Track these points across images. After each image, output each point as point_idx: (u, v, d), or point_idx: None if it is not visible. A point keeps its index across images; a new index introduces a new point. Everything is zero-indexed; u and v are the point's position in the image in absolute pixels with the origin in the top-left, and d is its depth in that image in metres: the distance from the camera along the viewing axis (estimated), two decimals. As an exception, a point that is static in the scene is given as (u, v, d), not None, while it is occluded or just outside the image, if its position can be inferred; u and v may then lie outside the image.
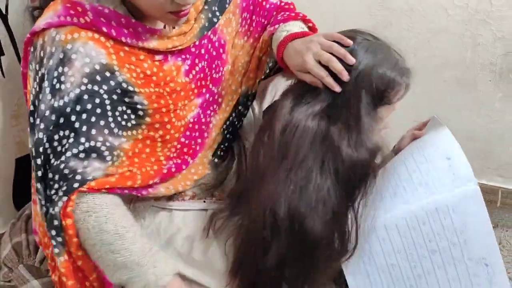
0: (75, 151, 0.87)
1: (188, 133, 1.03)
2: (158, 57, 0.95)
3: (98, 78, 0.88)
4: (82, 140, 0.87)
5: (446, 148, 0.98)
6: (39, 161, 0.89)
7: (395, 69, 0.94)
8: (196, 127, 1.05)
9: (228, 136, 1.12)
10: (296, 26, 1.06)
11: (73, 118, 0.87)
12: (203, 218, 1.06)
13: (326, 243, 0.93)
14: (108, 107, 0.90)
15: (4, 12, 1.07)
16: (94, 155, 0.88)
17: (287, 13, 1.12)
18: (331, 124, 0.92)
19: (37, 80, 0.89)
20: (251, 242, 0.96)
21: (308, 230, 0.91)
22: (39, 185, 0.90)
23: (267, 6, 1.15)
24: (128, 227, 0.90)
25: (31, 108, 0.90)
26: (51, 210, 0.87)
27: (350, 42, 0.91)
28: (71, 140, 0.87)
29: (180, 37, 0.97)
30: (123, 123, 0.92)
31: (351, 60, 0.90)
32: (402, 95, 0.96)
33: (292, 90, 1.00)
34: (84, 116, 0.87)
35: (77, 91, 0.86)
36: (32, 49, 0.90)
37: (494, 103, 1.46)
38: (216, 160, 1.11)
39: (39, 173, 0.89)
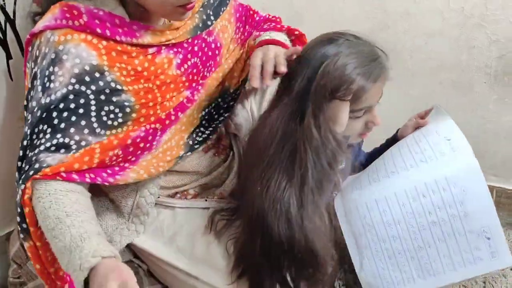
0: (48, 144, 0.91)
1: (168, 122, 1.06)
2: (151, 51, 0.99)
3: (87, 78, 0.92)
4: (58, 136, 0.91)
5: (446, 131, 1.02)
6: (20, 153, 0.93)
7: (363, 68, 0.92)
8: (179, 113, 1.08)
9: (203, 123, 1.15)
10: (279, 36, 1.11)
11: (54, 114, 0.91)
12: (205, 216, 1.09)
13: (289, 242, 0.93)
14: (93, 108, 0.93)
15: (12, 17, 1.10)
16: (62, 150, 0.91)
17: (273, 24, 1.20)
18: (292, 122, 0.93)
19: (31, 78, 0.93)
20: (246, 242, 0.99)
21: (269, 228, 0.92)
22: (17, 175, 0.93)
23: (257, 18, 1.24)
24: (70, 213, 0.87)
25: (25, 103, 0.95)
26: (16, 198, 0.90)
27: (284, 70, 0.94)
28: (47, 135, 0.91)
29: (172, 31, 1.02)
30: (109, 122, 0.95)
31: (282, 71, 0.94)
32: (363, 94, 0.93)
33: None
34: (65, 114, 0.91)
35: (64, 90, 0.90)
36: (30, 49, 0.95)
37: (489, 104, 1.47)
38: (190, 142, 1.13)
39: (19, 163, 0.92)
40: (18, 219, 0.91)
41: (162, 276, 1.11)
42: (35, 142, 0.91)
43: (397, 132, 1.16)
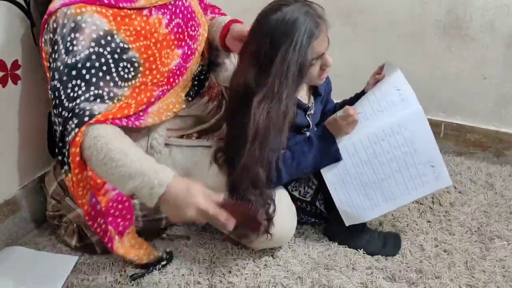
0: (86, 95, 1.07)
1: (171, 78, 1.25)
2: (145, 12, 1.17)
3: (102, 41, 1.10)
4: (92, 88, 1.08)
5: (396, 82, 1.23)
6: (54, 102, 1.08)
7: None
8: (178, 72, 1.26)
9: (195, 83, 1.33)
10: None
11: (83, 71, 1.08)
12: (208, 153, 1.30)
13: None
14: (112, 65, 1.12)
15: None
16: (98, 100, 1.08)
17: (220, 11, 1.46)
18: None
19: (50, 45, 1.09)
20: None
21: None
22: (56, 120, 1.09)
23: (206, 1, 1.47)
24: (130, 145, 1.05)
25: (47, 65, 1.11)
26: (65, 139, 1.06)
27: None
28: (83, 88, 1.07)
29: None
30: (125, 76, 1.14)
31: None
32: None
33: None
34: (93, 71, 1.09)
35: (87, 52, 1.08)
36: (46, 26, 1.11)
37: (438, 53, 1.64)
38: (189, 99, 1.31)
39: (55, 111, 1.08)
40: (61, 157, 1.07)
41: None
42: (71, 95, 1.06)
43: (363, 89, 1.36)
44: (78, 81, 1.07)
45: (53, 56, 1.09)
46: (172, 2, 1.24)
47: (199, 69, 1.34)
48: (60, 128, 1.08)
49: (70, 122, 1.06)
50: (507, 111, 1.67)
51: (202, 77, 1.36)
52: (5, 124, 1.25)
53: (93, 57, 1.09)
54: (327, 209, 1.30)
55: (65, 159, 1.08)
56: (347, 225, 1.26)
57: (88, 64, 1.08)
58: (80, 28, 1.08)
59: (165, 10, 1.22)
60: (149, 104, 1.20)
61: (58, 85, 1.07)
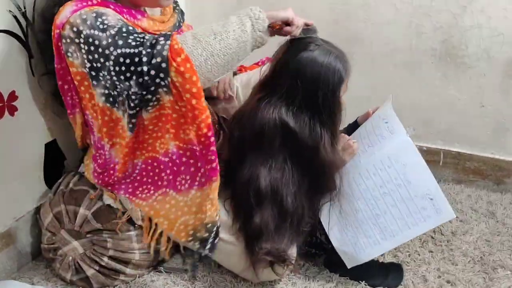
0: (148, 37, 1.04)
1: None
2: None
3: (125, 21, 1.10)
4: (147, 36, 1.04)
5: (384, 114, 1.22)
6: (123, 63, 1.02)
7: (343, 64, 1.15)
8: None
9: None
10: None
11: (130, 28, 1.06)
12: None
13: (295, 211, 1.17)
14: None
15: (31, 21, 1.25)
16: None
17: None
18: (297, 119, 1.14)
19: (83, 41, 1.06)
20: (240, 208, 1.20)
21: (284, 201, 1.15)
22: (128, 83, 1.03)
23: None
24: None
25: (90, 64, 1.07)
26: (153, 61, 1.00)
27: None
28: (141, 34, 1.05)
29: (161, 24, 1.23)
30: None
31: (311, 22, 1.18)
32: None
33: (259, 87, 1.21)
34: (131, 28, 1.06)
35: (120, 23, 1.07)
36: (63, 41, 1.09)
37: (435, 81, 1.65)
38: None
39: (127, 74, 1.03)
40: (162, 75, 1.01)
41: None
42: (138, 39, 1.03)
43: (356, 119, 1.37)
44: (134, 34, 1.04)
45: (93, 45, 1.05)
46: (173, 32, 1.25)
47: None
48: (144, 66, 1.01)
49: (159, 44, 1.01)
50: (505, 139, 1.68)
51: None
52: (1, 155, 1.24)
53: (129, 26, 1.07)
54: (327, 240, 1.28)
55: (164, 80, 1.02)
56: (349, 267, 1.23)
57: (130, 28, 1.06)
58: (103, 13, 1.07)
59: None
60: None
61: (120, 50, 1.02)
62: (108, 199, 1.25)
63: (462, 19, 1.57)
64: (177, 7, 1.35)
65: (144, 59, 1.01)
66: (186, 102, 1.03)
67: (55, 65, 1.15)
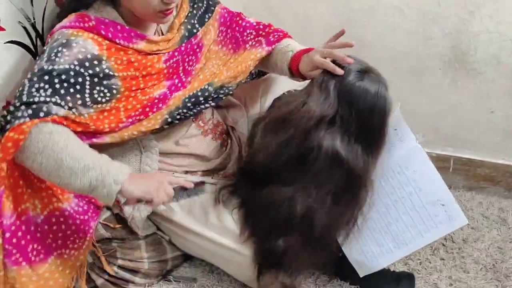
0: (47, 99, 1.03)
1: (150, 104, 1.19)
2: (142, 53, 1.18)
3: (87, 64, 1.10)
4: (56, 97, 1.05)
5: (394, 122, 1.19)
6: (17, 98, 1.04)
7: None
8: (160, 102, 1.21)
9: (188, 105, 1.25)
10: (293, 42, 1.29)
11: (56, 80, 1.06)
12: (214, 190, 1.28)
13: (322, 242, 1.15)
14: (87, 87, 1.10)
15: (41, 33, 1.26)
16: (58, 107, 1.04)
17: (277, 33, 1.35)
18: (351, 148, 1.09)
19: (39, 54, 1.10)
20: (264, 225, 1.17)
21: (315, 227, 1.12)
22: (10, 108, 1.04)
23: (243, 23, 1.38)
24: (85, 146, 1.06)
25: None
26: (7, 126, 1.00)
27: (350, 60, 1.10)
28: (48, 92, 1.04)
29: (164, 44, 1.21)
30: (99, 99, 1.12)
31: (349, 60, 1.10)
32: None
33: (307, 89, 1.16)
34: (65, 84, 1.07)
35: (67, 66, 1.07)
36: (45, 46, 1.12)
37: (443, 86, 1.63)
38: (169, 120, 1.21)
39: (16, 103, 1.03)
40: None
41: (182, 243, 1.30)
42: (34, 93, 1.03)
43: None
44: (46, 86, 1.05)
45: (36, 62, 1.09)
46: (177, 47, 1.24)
47: (200, 92, 1.27)
48: (6, 119, 1.02)
49: (21, 112, 1.01)
50: (516, 144, 1.65)
51: (202, 100, 1.28)
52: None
53: (71, 73, 1.08)
54: (338, 248, 1.27)
55: None
56: (361, 276, 1.21)
57: (63, 76, 1.07)
58: (70, 46, 1.09)
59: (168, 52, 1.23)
60: (109, 132, 1.15)
61: (26, 82, 1.05)
62: (116, 208, 1.25)
63: (471, 25, 1.55)
64: (189, 13, 1.29)
65: (10, 111, 1.03)
66: None
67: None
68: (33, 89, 1.04)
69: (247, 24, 1.39)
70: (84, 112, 1.10)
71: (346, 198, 1.12)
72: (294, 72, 1.26)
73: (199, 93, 1.26)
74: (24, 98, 1.03)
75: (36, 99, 1.02)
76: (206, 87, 1.27)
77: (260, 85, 1.46)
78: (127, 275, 1.26)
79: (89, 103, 1.10)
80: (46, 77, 1.06)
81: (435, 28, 1.59)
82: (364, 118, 1.09)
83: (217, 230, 1.22)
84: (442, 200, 1.15)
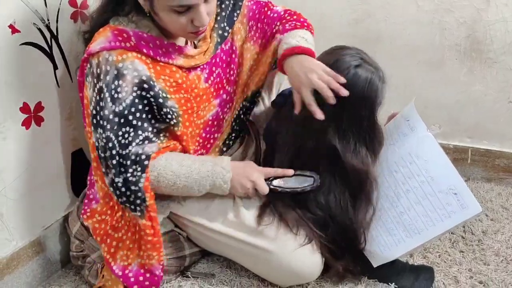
0: (137, 141, 1.11)
1: (208, 129, 1.25)
2: (184, 69, 1.18)
3: (145, 85, 1.11)
4: (140, 132, 1.11)
5: (407, 113, 1.20)
6: (108, 153, 1.10)
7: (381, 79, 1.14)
8: (215, 123, 1.27)
9: (235, 127, 1.33)
10: (304, 39, 1.21)
11: (130, 117, 1.10)
12: None
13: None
14: (155, 108, 1.13)
15: (55, 33, 1.28)
16: (147, 141, 1.12)
17: (294, 22, 1.28)
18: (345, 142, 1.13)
19: (96, 91, 1.10)
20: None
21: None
22: (108, 171, 1.11)
23: (271, 14, 1.33)
24: (188, 156, 1.18)
25: (93, 112, 1.12)
26: (132, 187, 1.10)
27: (343, 80, 1.08)
28: (132, 133, 1.10)
29: (200, 56, 1.20)
30: (167, 120, 1.15)
31: (344, 93, 1.08)
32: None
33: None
34: (138, 114, 1.11)
35: (131, 97, 1.10)
36: (88, 66, 1.13)
37: (460, 77, 1.62)
38: (224, 148, 1.32)
39: (114, 162, 1.10)
40: (138, 201, 1.12)
41: (199, 239, 1.31)
42: (123, 142, 1.10)
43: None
44: (127, 128, 1.11)
45: (100, 104, 1.11)
46: (212, 55, 1.24)
47: (240, 108, 1.33)
48: (118, 177, 1.12)
49: (132, 170, 1.11)
50: (535, 134, 1.63)
51: (244, 116, 1.35)
52: (29, 165, 1.26)
53: (137, 100, 1.11)
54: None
55: (137, 207, 1.13)
56: (375, 266, 1.21)
57: (133, 109, 1.11)
58: (122, 75, 1.10)
59: (204, 66, 1.22)
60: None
61: (110, 134, 1.10)
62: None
63: (486, 14, 1.54)
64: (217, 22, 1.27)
65: (115, 167, 1.12)
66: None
67: (77, 77, 1.18)
68: (120, 138, 1.10)
69: (275, 15, 1.33)
70: (162, 127, 1.17)
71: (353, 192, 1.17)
72: (280, 71, 1.24)
73: (241, 112, 1.31)
74: (121, 151, 1.10)
75: (130, 147, 1.11)
76: (244, 103, 1.33)
77: (275, 73, 1.42)
78: (146, 272, 1.26)
79: (162, 121, 1.15)
80: (122, 120, 1.10)
81: (450, 18, 1.58)
82: (354, 105, 1.11)
83: (235, 225, 1.22)
84: (454, 188, 1.13)
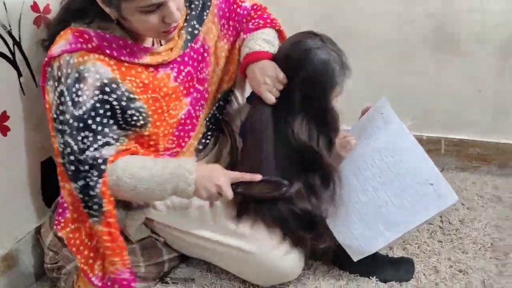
0: (95, 146, 1.08)
1: (181, 127, 1.23)
2: (151, 69, 1.15)
3: (107, 89, 1.08)
4: (99, 137, 1.08)
5: (380, 107, 1.20)
6: (66, 159, 1.08)
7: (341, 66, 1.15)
8: (188, 121, 1.25)
9: (210, 126, 1.32)
10: (258, 40, 1.24)
11: (89, 122, 1.07)
12: None
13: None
14: (118, 111, 1.10)
15: (18, 40, 1.24)
16: (106, 146, 1.09)
17: (257, 20, 1.30)
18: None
19: (57, 95, 1.07)
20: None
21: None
22: (71, 177, 1.09)
23: (240, 11, 1.33)
24: (150, 159, 1.14)
25: (54, 116, 1.09)
26: (90, 192, 1.08)
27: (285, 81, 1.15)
28: (90, 139, 1.07)
29: (167, 52, 1.18)
30: (132, 122, 1.13)
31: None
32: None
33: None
34: (98, 119, 1.08)
35: (92, 101, 1.07)
36: (49, 69, 1.09)
37: (431, 68, 1.63)
38: (200, 147, 1.30)
39: (72, 167, 1.08)
40: (96, 207, 1.09)
41: (177, 244, 1.29)
42: (81, 147, 1.07)
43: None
44: (87, 132, 1.08)
45: (60, 108, 1.08)
46: (181, 53, 1.22)
47: (215, 108, 1.32)
48: (76, 183, 1.10)
49: (90, 175, 1.08)
50: (506, 122, 1.65)
51: (219, 115, 1.35)
52: (-3, 177, 1.22)
53: (98, 105, 1.08)
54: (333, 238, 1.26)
55: (94, 212, 1.11)
56: (355, 260, 1.20)
57: (93, 114, 1.08)
58: (84, 78, 1.07)
59: (174, 65, 1.20)
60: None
61: (69, 139, 1.08)
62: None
63: (452, 4, 1.55)
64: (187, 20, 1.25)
65: (74, 172, 1.10)
66: None
67: (40, 83, 1.15)
68: (79, 143, 1.07)
69: (244, 12, 1.34)
70: (123, 134, 1.13)
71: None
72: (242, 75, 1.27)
73: (216, 111, 1.31)
74: (79, 157, 1.08)
75: (88, 152, 1.07)
76: (218, 102, 1.32)
77: None
78: (124, 281, 1.24)
79: (124, 125, 1.12)
80: (81, 124, 1.07)
81: (418, 10, 1.59)
82: (306, 84, 1.13)
83: (213, 227, 1.21)
84: (430, 179, 1.14)
